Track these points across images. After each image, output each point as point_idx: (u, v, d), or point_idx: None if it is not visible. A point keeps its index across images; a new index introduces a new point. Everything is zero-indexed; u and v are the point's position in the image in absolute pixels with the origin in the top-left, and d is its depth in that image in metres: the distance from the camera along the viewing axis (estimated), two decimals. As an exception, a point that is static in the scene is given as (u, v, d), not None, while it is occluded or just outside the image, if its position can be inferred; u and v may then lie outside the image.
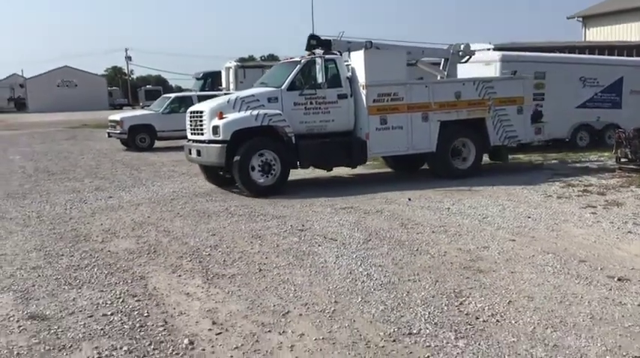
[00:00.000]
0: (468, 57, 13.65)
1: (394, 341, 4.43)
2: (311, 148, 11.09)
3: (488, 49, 18.88)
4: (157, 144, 20.76)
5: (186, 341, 4.46)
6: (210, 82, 31.22)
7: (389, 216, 8.75)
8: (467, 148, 12.45)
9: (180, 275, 6.12)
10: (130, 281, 5.96)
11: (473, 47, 19.76)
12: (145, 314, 5.02)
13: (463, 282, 5.74)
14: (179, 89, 70.54)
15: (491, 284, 5.69)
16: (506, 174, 12.65)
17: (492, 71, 16.21)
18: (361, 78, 11.45)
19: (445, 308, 5.08)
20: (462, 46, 13.51)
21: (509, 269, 6.13)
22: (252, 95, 11.19)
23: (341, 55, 11.99)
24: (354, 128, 11.61)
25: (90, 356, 4.23)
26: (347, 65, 11.84)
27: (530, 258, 6.52)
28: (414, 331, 4.59)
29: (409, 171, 13.26)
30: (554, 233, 7.59)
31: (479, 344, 4.34)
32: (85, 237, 7.88)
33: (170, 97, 21.78)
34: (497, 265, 6.28)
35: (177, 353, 4.26)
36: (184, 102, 19.75)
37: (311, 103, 11.16)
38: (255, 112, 10.74)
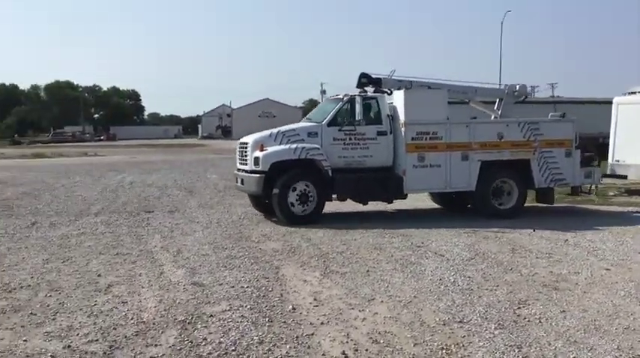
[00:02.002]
0: (524, 97, 13.72)
1: (444, 324, 5.67)
2: (347, 182, 11.62)
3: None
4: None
5: (290, 307, 6.13)
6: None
7: (505, 241, 9.68)
8: (509, 188, 12.42)
9: (305, 269, 7.83)
10: (267, 268, 7.80)
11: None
12: (270, 290, 6.78)
13: (533, 295, 6.69)
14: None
15: (559, 299, 6.57)
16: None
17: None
18: (401, 116, 11.90)
19: (503, 310, 6.14)
20: (518, 87, 13.57)
21: (584, 290, 6.92)
22: (293, 129, 11.95)
23: (390, 93, 12.54)
24: (393, 164, 12.02)
25: (224, 308, 6.06)
26: (390, 103, 12.31)
27: (613, 284, 7.19)
28: (465, 321, 5.78)
29: (457, 209, 13.37)
30: (653, 267, 8.06)
31: (510, 333, 5.42)
32: (246, 238, 9.96)
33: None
34: (576, 286, 7.08)
35: (281, 313, 5.93)
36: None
37: (350, 139, 11.75)
38: (294, 146, 11.46)
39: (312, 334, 5.37)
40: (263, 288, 6.83)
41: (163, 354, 4.88)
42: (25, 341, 5.17)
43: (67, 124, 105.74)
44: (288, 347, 5.06)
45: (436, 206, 13.94)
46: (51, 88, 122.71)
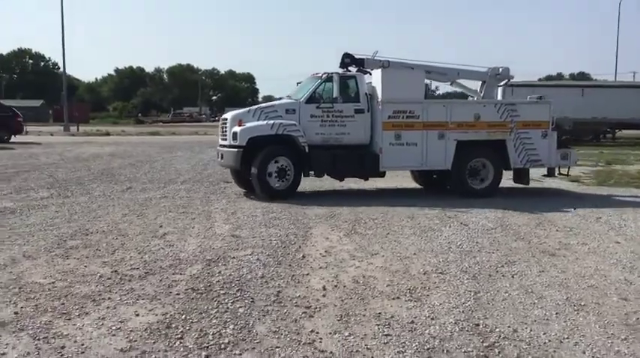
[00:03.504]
0: (506, 80, 13.83)
1: (424, 273, 6.59)
2: (323, 158, 12.01)
3: None
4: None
5: (301, 255, 7.29)
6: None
7: (537, 217, 10.20)
8: (486, 169, 12.75)
9: (333, 230, 8.93)
10: (300, 227, 8.99)
11: None
12: (293, 243, 7.96)
13: (525, 258, 7.38)
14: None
15: (546, 262, 7.22)
16: None
17: None
18: (378, 94, 12.24)
19: (487, 267, 6.93)
20: (501, 69, 13.61)
21: (578, 257, 7.49)
22: (272, 106, 12.44)
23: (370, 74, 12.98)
24: (370, 142, 12.42)
25: (247, 253, 7.32)
26: (369, 83, 12.74)
27: (611, 254, 7.68)
28: (445, 272, 6.66)
29: (436, 189, 13.70)
30: (664, 242, 8.40)
31: (477, 283, 6.26)
32: (297, 205, 11.19)
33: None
34: (573, 254, 7.65)
35: (291, 259, 7.10)
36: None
37: (328, 116, 12.13)
38: (271, 122, 11.88)
39: (307, 274, 6.50)
40: (287, 242, 8.03)
41: (183, 279, 6.21)
42: (85, 266, 6.71)
43: (186, 105, 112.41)
44: (282, 281, 6.23)
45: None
46: (173, 70, 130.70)
